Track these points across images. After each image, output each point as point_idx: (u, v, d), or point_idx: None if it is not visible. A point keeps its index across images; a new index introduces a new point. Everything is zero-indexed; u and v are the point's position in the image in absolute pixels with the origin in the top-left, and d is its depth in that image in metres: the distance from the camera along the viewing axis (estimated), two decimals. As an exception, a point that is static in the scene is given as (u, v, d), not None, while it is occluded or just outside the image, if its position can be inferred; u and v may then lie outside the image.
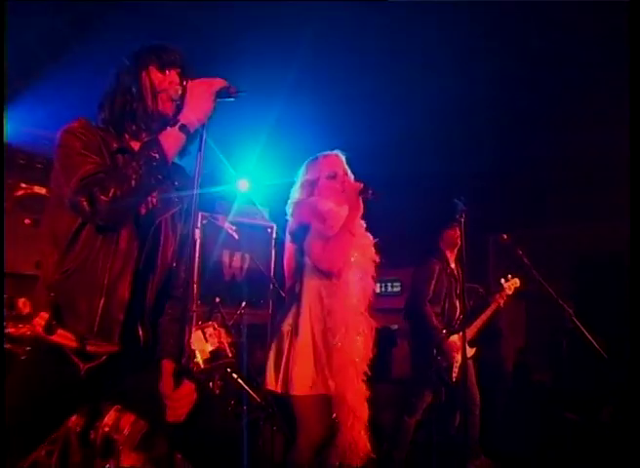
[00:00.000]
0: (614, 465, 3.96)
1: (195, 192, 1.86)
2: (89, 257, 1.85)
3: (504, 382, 6.36)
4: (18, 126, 5.09)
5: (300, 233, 2.80)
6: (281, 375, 2.71)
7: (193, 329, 3.76)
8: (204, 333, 3.73)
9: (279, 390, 2.72)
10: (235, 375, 3.90)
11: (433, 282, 4.34)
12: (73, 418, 3.43)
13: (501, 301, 4.64)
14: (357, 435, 2.67)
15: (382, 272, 7.81)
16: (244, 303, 4.52)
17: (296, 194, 3.00)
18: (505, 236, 4.34)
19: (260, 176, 6.08)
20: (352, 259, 2.77)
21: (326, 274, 2.73)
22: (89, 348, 1.86)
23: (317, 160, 3.01)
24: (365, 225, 2.93)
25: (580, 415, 4.40)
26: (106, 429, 3.37)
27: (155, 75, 1.97)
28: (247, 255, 5.16)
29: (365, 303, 2.80)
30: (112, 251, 1.86)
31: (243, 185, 6.02)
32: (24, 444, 1.92)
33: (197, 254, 5.17)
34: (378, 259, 2.91)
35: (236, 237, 4.36)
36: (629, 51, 2.84)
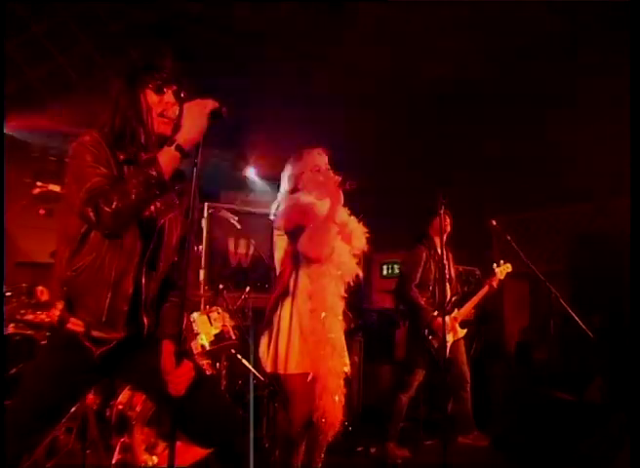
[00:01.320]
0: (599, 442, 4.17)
1: (192, 198, 2.10)
2: (97, 257, 2.10)
3: (505, 361, 6.57)
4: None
5: (296, 233, 3.01)
6: (270, 356, 2.96)
7: (199, 313, 4.02)
8: (209, 318, 3.99)
9: (269, 370, 2.98)
10: (240, 356, 4.18)
11: (420, 268, 4.56)
12: (91, 397, 3.73)
13: (494, 285, 4.83)
14: (331, 410, 2.92)
15: (387, 254, 8.00)
16: (248, 288, 4.76)
17: (283, 187, 3.23)
18: (494, 222, 4.54)
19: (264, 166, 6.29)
20: (335, 246, 3.01)
21: (314, 261, 2.96)
22: (96, 334, 2.13)
23: (302, 155, 3.22)
24: (349, 212, 3.17)
25: (569, 394, 4.60)
26: (120, 407, 3.63)
27: (152, 98, 2.16)
28: (252, 242, 5.38)
29: (345, 287, 3.05)
30: (118, 250, 2.11)
31: (248, 175, 6.23)
32: (46, 421, 2.19)
33: (204, 243, 5.43)
34: (362, 245, 3.17)
35: (238, 226, 4.59)
36: (629, 51, 3.00)
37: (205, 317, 3.99)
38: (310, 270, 2.99)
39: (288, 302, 3.00)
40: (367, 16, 5.32)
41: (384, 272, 8.05)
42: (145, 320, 2.21)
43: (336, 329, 2.97)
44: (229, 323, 4.06)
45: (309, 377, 2.91)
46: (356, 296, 5.32)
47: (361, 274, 3.13)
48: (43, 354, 2.33)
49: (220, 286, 4.44)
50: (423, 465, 4.34)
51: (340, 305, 3.03)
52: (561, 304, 4.35)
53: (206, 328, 3.94)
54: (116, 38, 6.61)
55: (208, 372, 4.15)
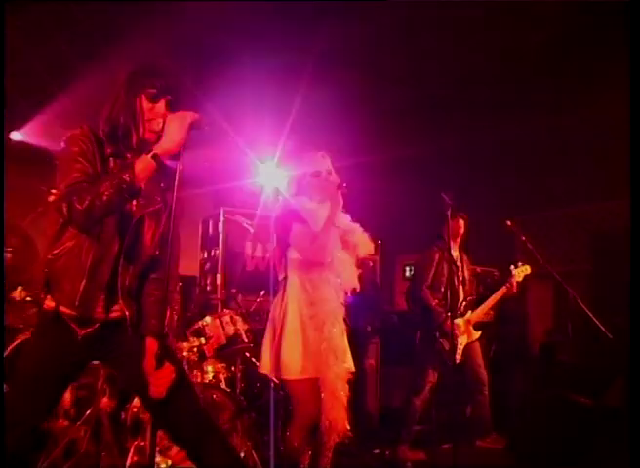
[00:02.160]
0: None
1: (173, 203, 2.17)
2: (75, 244, 2.21)
3: (525, 363, 6.49)
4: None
5: (287, 233, 3.05)
6: (273, 361, 2.96)
7: (211, 317, 4.07)
8: (221, 321, 4.04)
9: (273, 375, 2.98)
10: (253, 359, 4.21)
11: (432, 269, 4.53)
12: (105, 400, 3.81)
13: (511, 288, 4.77)
14: (336, 415, 2.93)
15: (410, 256, 7.96)
16: (263, 292, 4.79)
17: (284, 191, 3.25)
18: (509, 222, 4.50)
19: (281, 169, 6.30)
20: (336, 254, 3.03)
21: (315, 266, 2.98)
22: (68, 312, 2.23)
23: (303, 158, 3.24)
24: (349, 218, 3.19)
25: (587, 396, 4.53)
26: (135, 410, 3.69)
27: (146, 104, 2.25)
28: (269, 246, 5.41)
29: (344, 295, 3.07)
30: (95, 239, 2.20)
31: (265, 178, 6.25)
32: (38, 405, 2.26)
33: (221, 247, 5.49)
34: (370, 249, 3.18)
35: (251, 230, 4.63)
36: (629, 50, 2.96)
37: (217, 321, 4.04)
38: (311, 277, 3.01)
39: (290, 309, 3.01)
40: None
41: (407, 274, 8.03)
42: (126, 309, 2.29)
43: (336, 335, 2.98)
44: (242, 326, 4.10)
45: (312, 382, 2.92)
46: (374, 299, 5.35)
47: (358, 286, 3.14)
48: (33, 338, 2.47)
49: (233, 290, 4.48)
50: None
51: (340, 312, 3.05)
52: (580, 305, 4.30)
53: (217, 331, 3.99)
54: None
55: (223, 375, 4.21)
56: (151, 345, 2.26)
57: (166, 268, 2.22)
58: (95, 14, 5.04)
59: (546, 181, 7.21)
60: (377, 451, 4.65)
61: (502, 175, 7.94)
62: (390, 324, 5.57)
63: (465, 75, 6.22)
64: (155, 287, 2.35)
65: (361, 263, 5.09)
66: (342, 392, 2.96)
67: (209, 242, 5.72)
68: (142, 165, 2.09)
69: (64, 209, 2.05)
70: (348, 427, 2.99)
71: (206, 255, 5.75)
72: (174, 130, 2.11)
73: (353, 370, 3.11)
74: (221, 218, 5.41)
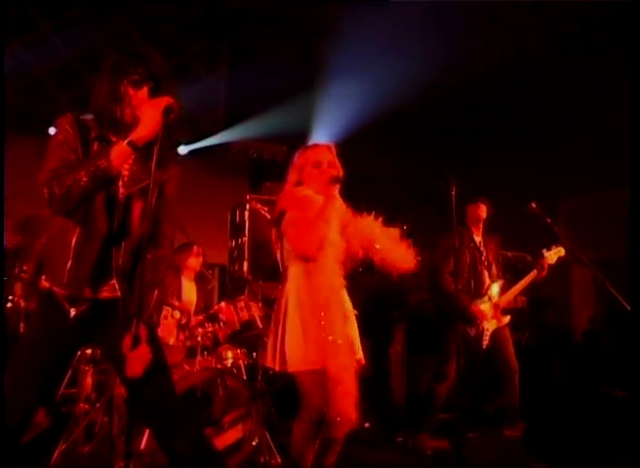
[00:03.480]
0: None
1: (151, 186, 2.18)
2: (61, 226, 2.29)
3: (566, 352, 6.28)
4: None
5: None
6: (278, 354, 2.90)
7: (225, 302, 4.09)
8: (235, 307, 4.05)
9: (277, 368, 2.91)
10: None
11: (452, 255, 4.40)
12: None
13: (542, 271, 4.60)
14: (344, 407, 2.82)
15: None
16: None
17: (288, 178, 3.18)
18: (534, 205, 4.33)
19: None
20: (329, 243, 2.93)
21: (302, 258, 2.93)
22: (60, 292, 2.30)
23: (307, 148, 3.18)
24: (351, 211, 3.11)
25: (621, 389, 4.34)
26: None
27: (130, 90, 2.28)
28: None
29: (342, 286, 2.99)
30: (81, 220, 2.25)
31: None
32: (37, 384, 2.32)
33: (246, 234, 5.51)
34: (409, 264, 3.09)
35: (269, 217, 4.61)
36: (629, 50, 2.82)
37: (231, 306, 4.06)
38: (309, 266, 2.93)
39: (290, 300, 2.95)
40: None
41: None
42: (118, 290, 2.33)
43: (338, 324, 2.89)
44: (257, 312, 4.10)
45: (317, 374, 2.85)
46: (399, 285, 5.26)
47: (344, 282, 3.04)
48: (31, 318, 2.53)
49: (249, 277, 4.48)
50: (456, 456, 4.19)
51: (342, 300, 2.97)
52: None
53: (231, 317, 4.01)
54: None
55: (242, 362, 4.23)
56: (131, 326, 2.25)
57: (144, 247, 2.21)
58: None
59: (583, 165, 6.98)
60: (400, 439, 4.57)
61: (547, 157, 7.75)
62: (416, 310, 5.45)
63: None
64: (148, 267, 2.33)
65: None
66: (349, 383, 2.85)
67: (236, 230, 5.76)
68: (118, 151, 2.16)
69: (45, 194, 2.13)
70: (358, 420, 2.90)
71: (234, 244, 5.78)
72: (147, 116, 2.15)
73: (363, 361, 3.03)
74: (247, 207, 5.43)
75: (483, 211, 4.48)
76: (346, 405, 2.84)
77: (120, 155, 2.16)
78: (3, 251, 4.29)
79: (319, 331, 2.84)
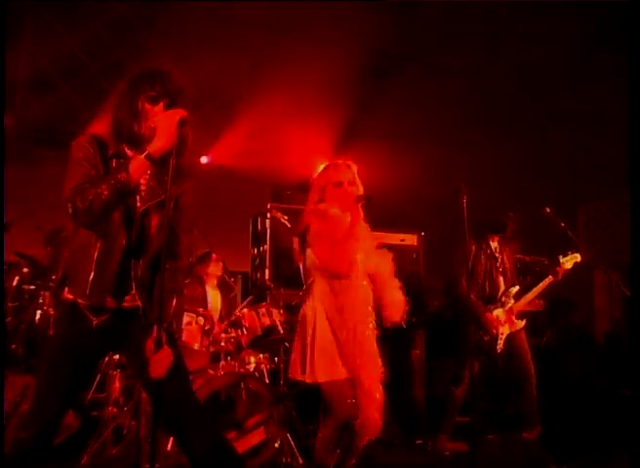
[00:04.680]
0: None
1: (167, 195, 2.31)
2: (85, 240, 2.41)
3: (588, 354, 6.29)
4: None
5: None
6: (308, 366, 3.03)
7: (247, 309, 4.22)
8: (257, 313, 4.18)
9: (308, 380, 3.04)
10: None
11: (469, 261, 4.47)
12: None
13: (557, 276, 4.65)
14: (370, 414, 3.00)
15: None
16: (305, 286, 4.89)
17: (310, 197, 3.29)
18: (548, 209, 4.39)
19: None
20: (358, 261, 3.08)
21: (334, 276, 3.05)
22: (84, 303, 2.42)
23: (328, 167, 3.28)
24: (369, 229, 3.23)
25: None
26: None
27: (146, 105, 2.41)
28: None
29: (371, 301, 3.13)
30: (102, 234, 2.39)
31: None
32: (61, 392, 2.44)
33: (268, 242, 5.64)
34: (384, 261, 3.22)
35: (288, 225, 4.73)
36: (629, 51, 2.88)
37: (253, 312, 4.19)
38: (338, 282, 3.06)
39: (319, 314, 3.08)
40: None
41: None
42: (138, 299, 2.46)
43: (367, 337, 3.04)
44: (278, 318, 4.22)
45: (346, 382, 3.00)
46: (418, 291, 5.35)
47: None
48: (53, 327, 2.67)
49: (270, 284, 4.61)
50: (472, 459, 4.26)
51: (370, 313, 3.09)
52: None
53: (253, 323, 4.14)
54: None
55: (265, 366, 4.35)
56: (153, 331, 2.38)
57: (163, 259, 2.32)
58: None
59: (602, 169, 6.98)
60: (419, 442, 4.65)
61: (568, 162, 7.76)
62: (435, 315, 5.53)
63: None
64: (167, 277, 2.45)
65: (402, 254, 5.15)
66: (377, 393, 3.03)
67: (258, 238, 5.89)
68: (136, 164, 2.28)
69: (69, 209, 2.26)
70: (382, 427, 3.05)
71: (256, 252, 5.92)
72: (163, 129, 2.27)
73: (383, 369, 3.14)
74: (268, 215, 5.56)
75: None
76: (373, 414, 3.01)
77: (139, 168, 2.28)
78: (3, 256, 4.49)
79: (350, 344, 2.99)
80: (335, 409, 3.06)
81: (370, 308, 3.11)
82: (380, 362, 3.11)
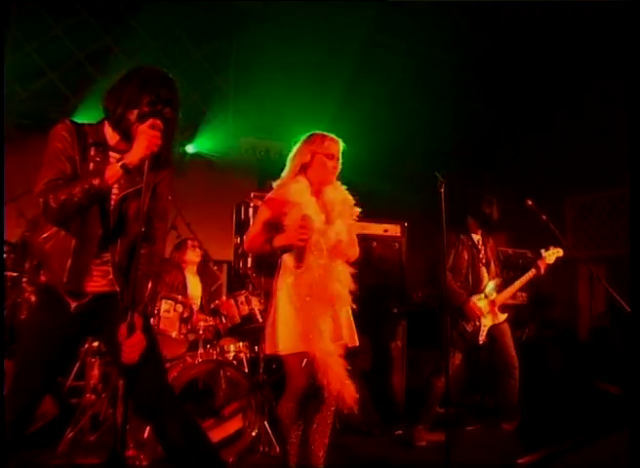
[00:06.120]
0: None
1: (142, 199, 2.37)
2: (60, 229, 2.39)
3: (570, 349, 6.30)
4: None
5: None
6: (272, 339, 3.09)
7: (227, 296, 4.21)
8: (236, 301, 4.17)
9: (267, 351, 3.14)
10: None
11: (451, 252, 4.46)
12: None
13: (540, 270, 4.65)
14: (338, 387, 3.02)
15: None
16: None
17: (286, 169, 3.24)
18: (530, 202, 4.38)
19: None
20: (320, 236, 3.08)
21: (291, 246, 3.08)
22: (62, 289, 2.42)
23: (316, 136, 3.20)
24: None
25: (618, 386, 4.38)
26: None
27: (145, 108, 2.36)
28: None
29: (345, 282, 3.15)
30: (79, 222, 2.38)
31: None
32: (39, 377, 2.44)
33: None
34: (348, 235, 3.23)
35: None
36: (629, 51, 2.86)
37: (232, 300, 4.18)
38: (297, 260, 3.09)
39: (282, 290, 3.11)
40: None
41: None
42: (116, 284, 2.47)
43: (323, 312, 3.05)
44: (257, 306, 4.21)
45: (301, 356, 3.02)
46: (400, 281, 5.34)
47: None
48: (30, 312, 2.64)
49: (249, 272, 4.59)
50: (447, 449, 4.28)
51: (332, 289, 3.08)
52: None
53: (232, 310, 4.13)
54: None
55: (245, 355, 4.34)
56: (127, 316, 2.39)
57: (138, 244, 2.36)
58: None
59: (590, 161, 6.99)
60: (399, 432, 4.65)
61: (554, 156, 7.77)
62: (417, 306, 5.52)
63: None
64: (143, 261, 2.48)
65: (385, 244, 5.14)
66: (337, 366, 3.03)
67: (241, 227, 5.85)
68: (112, 172, 2.31)
69: (41, 205, 2.28)
70: (356, 396, 3.05)
71: (239, 240, 5.88)
72: (141, 142, 2.29)
73: (351, 344, 3.17)
74: (250, 204, 5.52)
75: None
76: (340, 385, 3.02)
77: (113, 175, 2.31)
78: (3, 255, 4.46)
79: (303, 320, 3.03)
80: (291, 380, 3.11)
81: (330, 282, 3.08)
82: (345, 336, 3.13)
